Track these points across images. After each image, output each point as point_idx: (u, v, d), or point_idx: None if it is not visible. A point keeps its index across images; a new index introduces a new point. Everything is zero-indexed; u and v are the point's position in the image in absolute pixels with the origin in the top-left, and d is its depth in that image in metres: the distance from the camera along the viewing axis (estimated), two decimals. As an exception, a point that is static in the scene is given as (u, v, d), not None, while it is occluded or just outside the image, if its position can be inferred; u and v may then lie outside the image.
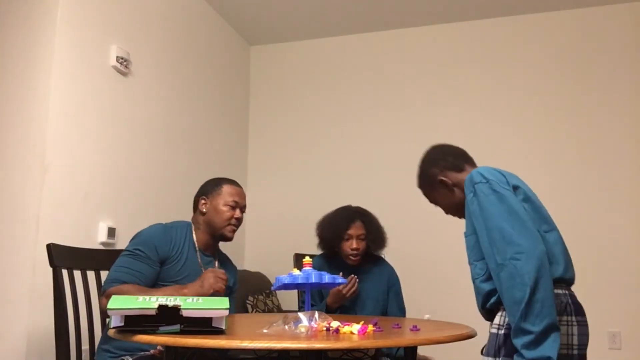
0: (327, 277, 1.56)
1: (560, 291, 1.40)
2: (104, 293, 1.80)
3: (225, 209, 2.03)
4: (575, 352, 1.36)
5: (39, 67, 2.33)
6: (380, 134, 3.93)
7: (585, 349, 1.39)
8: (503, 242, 1.34)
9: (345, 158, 3.98)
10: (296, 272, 1.56)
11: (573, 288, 1.47)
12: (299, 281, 1.53)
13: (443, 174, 1.67)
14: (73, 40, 2.44)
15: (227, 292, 2.09)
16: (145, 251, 1.88)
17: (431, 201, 1.75)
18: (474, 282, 1.52)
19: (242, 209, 2.10)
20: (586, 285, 3.42)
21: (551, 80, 3.67)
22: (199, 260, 2.02)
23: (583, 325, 1.40)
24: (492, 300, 1.44)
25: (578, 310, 1.40)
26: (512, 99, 3.73)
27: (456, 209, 1.68)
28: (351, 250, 2.36)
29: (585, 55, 3.63)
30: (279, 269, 3.58)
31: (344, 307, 2.35)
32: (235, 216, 2.05)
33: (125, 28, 2.81)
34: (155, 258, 1.90)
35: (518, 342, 1.27)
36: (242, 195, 2.11)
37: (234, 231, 2.07)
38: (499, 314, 1.42)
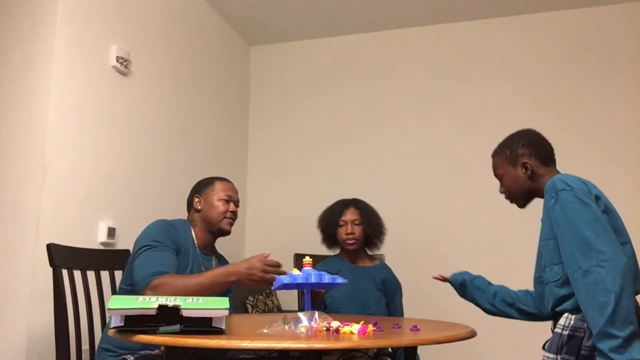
0: (327, 277, 1.55)
1: None
2: (149, 286, 1.71)
3: (219, 203, 2.06)
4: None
5: (39, 67, 2.33)
6: (381, 133, 3.93)
7: None
8: (588, 249, 1.40)
9: (346, 158, 3.98)
10: (296, 272, 1.56)
11: None
12: (299, 281, 1.53)
13: (530, 159, 1.72)
14: (73, 40, 2.44)
15: (225, 291, 2.09)
16: (161, 241, 1.86)
17: (498, 174, 1.79)
18: (546, 284, 1.59)
19: (236, 203, 2.13)
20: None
21: (550, 80, 3.67)
22: (200, 258, 2.02)
23: None
24: (564, 305, 1.51)
25: None
26: (512, 99, 3.72)
27: (518, 195, 1.74)
28: (346, 235, 2.45)
29: (585, 56, 3.63)
30: (279, 269, 3.58)
31: (345, 308, 2.36)
32: (230, 209, 2.07)
33: (125, 28, 2.81)
34: (172, 246, 1.88)
35: (604, 345, 1.33)
36: (235, 190, 2.15)
37: (230, 224, 2.08)
38: (565, 315, 1.50)
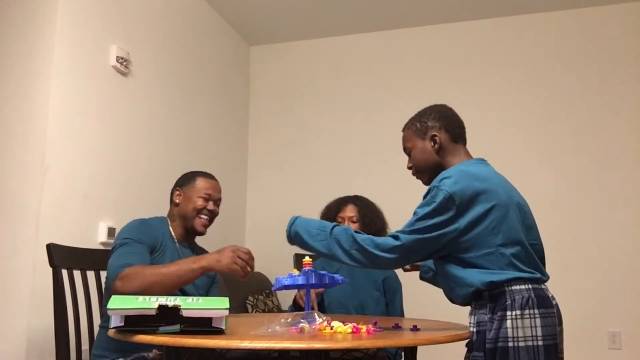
0: (327, 278, 1.55)
1: (523, 286, 1.43)
2: (118, 276, 1.67)
3: (197, 199, 2.01)
4: (540, 343, 1.39)
5: (39, 67, 2.33)
6: (380, 133, 3.93)
7: (554, 339, 1.41)
8: (408, 226, 1.54)
9: (346, 158, 3.98)
10: (296, 272, 1.56)
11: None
12: (299, 282, 1.53)
13: (440, 132, 1.69)
14: (73, 40, 2.44)
15: (210, 283, 2.08)
16: (134, 238, 1.83)
17: (407, 147, 1.78)
18: None
19: (216, 202, 2.07)
20: (587, 285, 3.43)
21: (551, 80, 3.67)
22: (179, 251, 1.98)
23: (547, 317, 1.42)
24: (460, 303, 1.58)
25: (541, 303, 1.43)
26: (512, 99, 3.72)
27: (425, 170, 1.71)
28: None
29: (586, 55, 3.63)
30: (279, 269, 3.57)
31: (343, 307, 2.36)
32: (208, 207, 2.02)
33: (125, 28, 2.81)
34: (148, 242, 1.85)
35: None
36: (217, 189, 2.08)
37: (204, 225, 2.03)
38: (471, 312, 1.51)
